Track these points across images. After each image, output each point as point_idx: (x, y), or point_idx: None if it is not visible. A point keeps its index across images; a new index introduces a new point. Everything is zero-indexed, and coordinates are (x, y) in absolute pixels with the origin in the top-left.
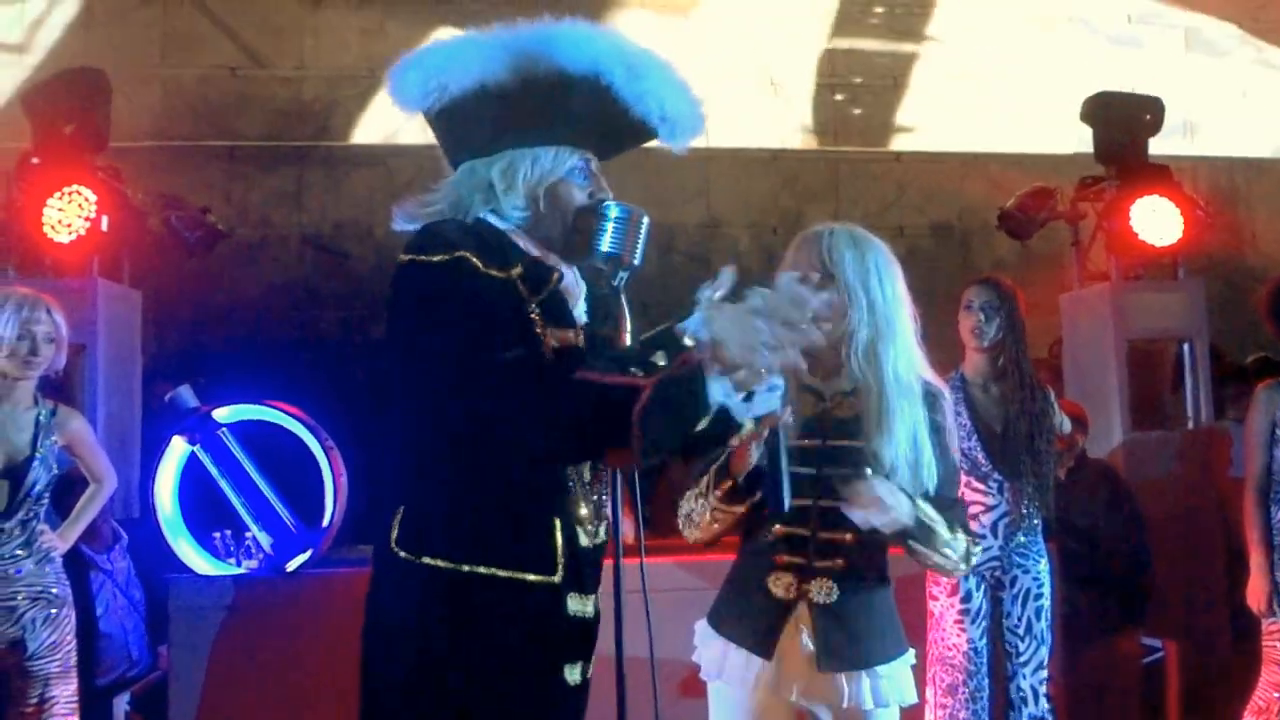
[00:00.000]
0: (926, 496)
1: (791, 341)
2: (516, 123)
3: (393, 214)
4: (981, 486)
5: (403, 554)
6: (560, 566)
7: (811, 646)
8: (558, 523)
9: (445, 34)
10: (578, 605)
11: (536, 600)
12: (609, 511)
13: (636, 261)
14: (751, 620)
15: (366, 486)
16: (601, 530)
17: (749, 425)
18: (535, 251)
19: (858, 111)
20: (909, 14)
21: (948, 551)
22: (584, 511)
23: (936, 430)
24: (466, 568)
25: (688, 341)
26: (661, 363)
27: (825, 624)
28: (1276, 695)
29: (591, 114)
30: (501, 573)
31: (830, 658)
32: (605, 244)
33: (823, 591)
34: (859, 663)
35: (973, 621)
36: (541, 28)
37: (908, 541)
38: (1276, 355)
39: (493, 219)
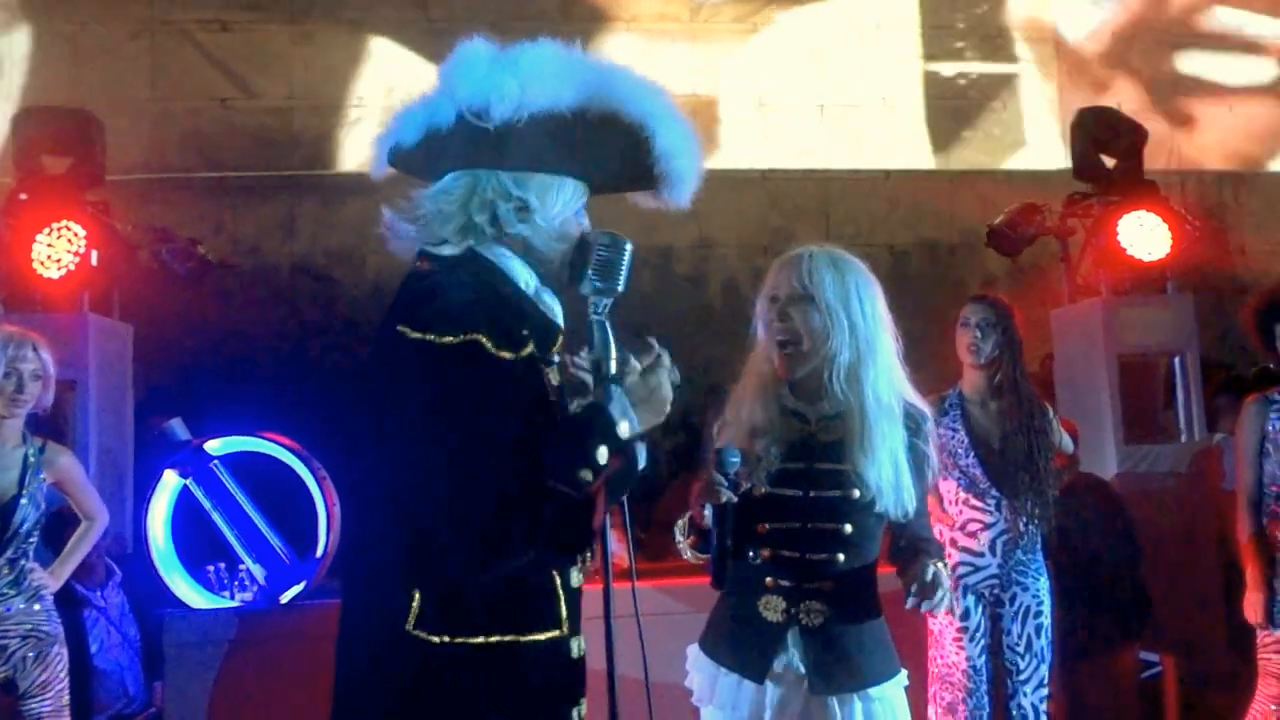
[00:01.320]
0: (908, 529)
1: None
2: (562, 148)
3: (385, 228)
4: (980, 504)
5: (425, 636)
6: (565, 618)
7: (803, 669)
8: (556, 576)
9: (437, 66)
10: (577, 647)
11: (548, 655)
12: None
13: (621, 289)
14: (743, 644)
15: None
16: (588, 564)
17: (708, 495)
18: (533, 287)
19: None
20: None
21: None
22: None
23: (915, 454)
24: (483, 639)
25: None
26: (602, 461)
27: (816, 646)
28: (1274, 708)
29: (621, 158)
30: (523, 638)
31: (822, 680)
32: (596, 275)
33: (813, 614)
34: (851, 685)
35: (971, 640)
36: (612, 65)
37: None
38: (1278, 367)
39: (495, 253)
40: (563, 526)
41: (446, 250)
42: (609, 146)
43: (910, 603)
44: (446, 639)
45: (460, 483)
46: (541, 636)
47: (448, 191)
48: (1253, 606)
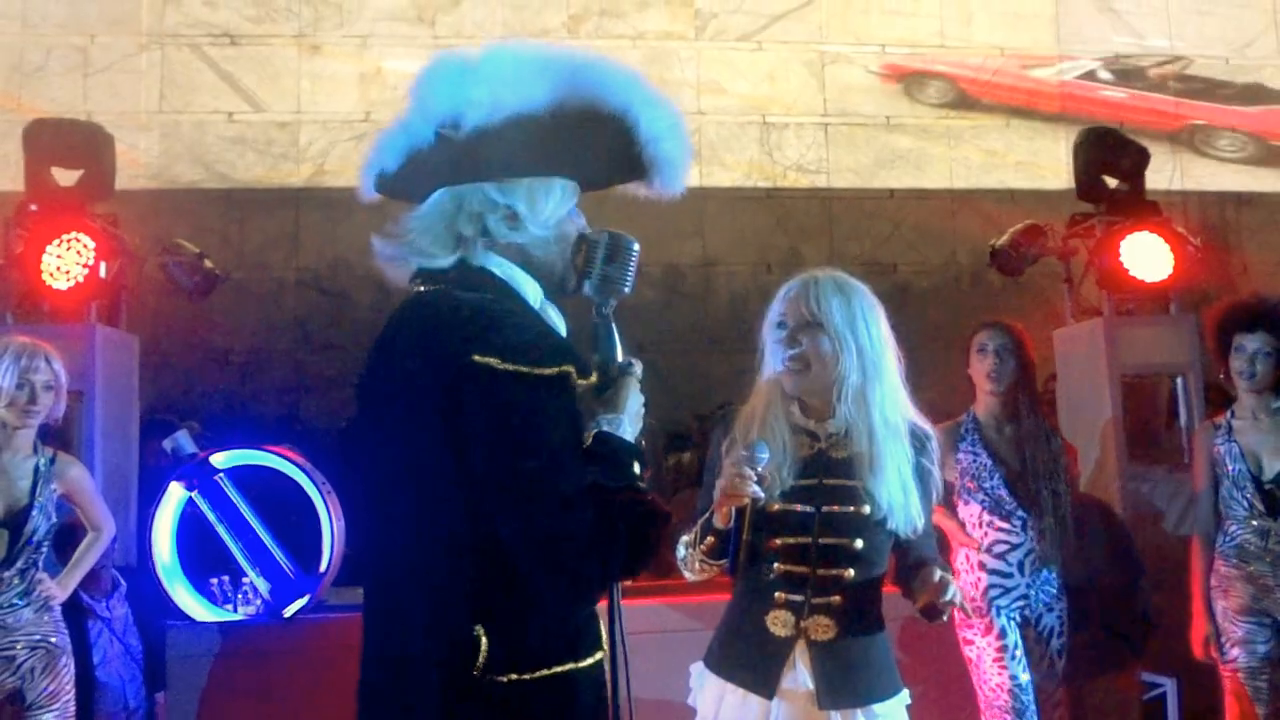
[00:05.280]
0: (915, 544)
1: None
2: (544, 150)
3: (378, 255)
4: (1006, 525)
5: (496, 678)
6: (603, 637)
7: (810, 685)
8: None
9: (421, 71)
10: (605, 670)
11: (593, 679)
12: None
13: (628, 290)
14: (750, 660)
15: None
16: None
17: (737, 484)
18: (539, 301)
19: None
20: None
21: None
22: None
23: (921, 472)
24: (546, 671)
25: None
26: (638, 471)
27: (824, 661)
28: None
29: (606, 150)
30: (580, 664)
31: (829, 695)
32: (600, 275)
33: (821, 629)
34: (857, 700)
35: (1012, 658)
36: (583, 56)
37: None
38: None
39: (491, 258)
40: (636, 539)
41: (442, 267)
42: (592, 140)
43: (921, 602)
44: (514, 677)
45: (561, 526)
46: (592, 660)
47: (434, 210)
48: (1197, 639)
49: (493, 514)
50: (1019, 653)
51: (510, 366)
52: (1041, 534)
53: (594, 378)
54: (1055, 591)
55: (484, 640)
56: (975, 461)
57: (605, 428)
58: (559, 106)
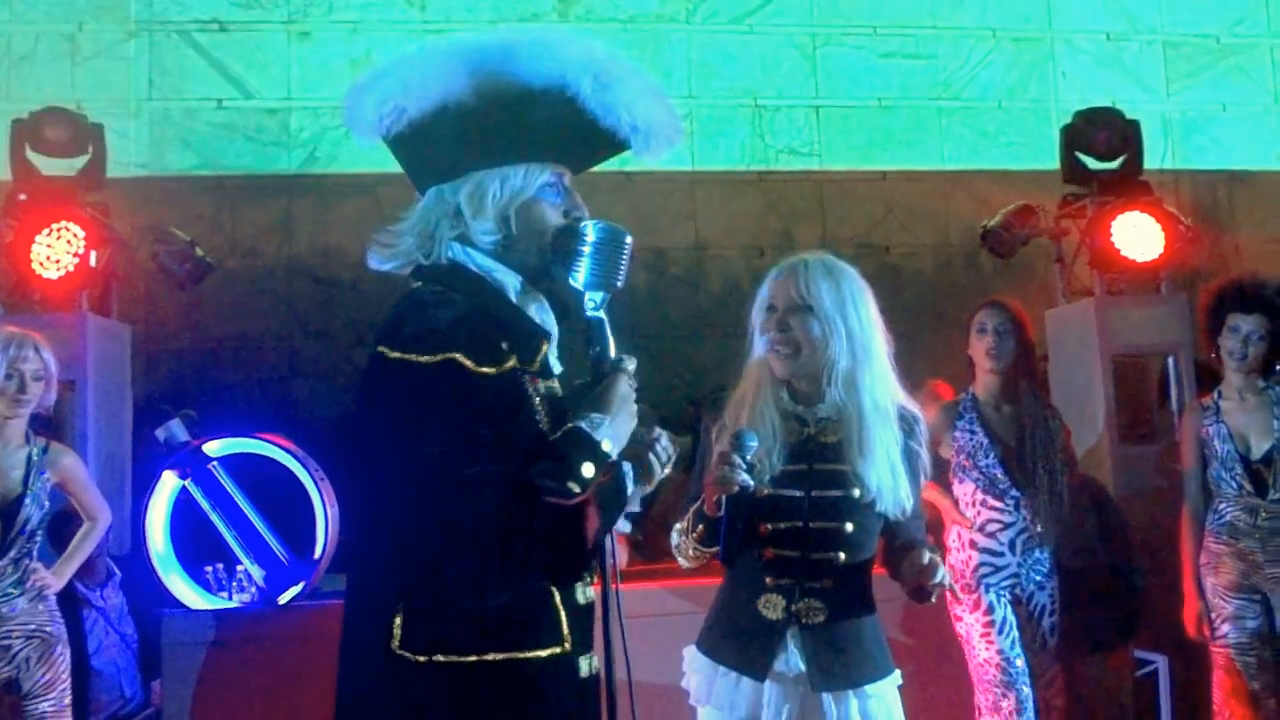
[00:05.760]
0: (904, 526)
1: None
2: (481, 141)
3: (368, 251)
4: (999, 504)
5: (411, 656)
6: (567, 634)
7: (802, 667)
8: (555, 591)
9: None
10: (587, 666)
11: (552, 673)
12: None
13: (619, 284)
14: (742, 643)
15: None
16: (592, 580)
17: (726, 473)
18: (514, 288)
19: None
20: None
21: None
22: None
23: (910, 454)
24: (475, 658)
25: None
26: (588, 474)
27: (816, 644)
28: (1218, 696)
29: (559, 127)
30: (522, 655)
31: (822, 678)
32: (588, 270)
33: (813, 612)
34: (849, 682)
35: (1001, 633)
36: (500, 38)
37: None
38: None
39: (467, 254)
40: (555, 541)
41: (430, 266)
42: (535, 120)
43: (910, 584)
44: (438, 658)
45: (446, 506)
46: (543, 653)
47: (411, 214)
48: (1190, 618)
49: (394, 497)
50: (1008, 628)
51: (397, 354)
52: (1035, 513)
53: (510, 362)
54: (1047, 571)
55: (399, 617)
56: (971, 440)
57: (582, 425)
58: (487, 93)
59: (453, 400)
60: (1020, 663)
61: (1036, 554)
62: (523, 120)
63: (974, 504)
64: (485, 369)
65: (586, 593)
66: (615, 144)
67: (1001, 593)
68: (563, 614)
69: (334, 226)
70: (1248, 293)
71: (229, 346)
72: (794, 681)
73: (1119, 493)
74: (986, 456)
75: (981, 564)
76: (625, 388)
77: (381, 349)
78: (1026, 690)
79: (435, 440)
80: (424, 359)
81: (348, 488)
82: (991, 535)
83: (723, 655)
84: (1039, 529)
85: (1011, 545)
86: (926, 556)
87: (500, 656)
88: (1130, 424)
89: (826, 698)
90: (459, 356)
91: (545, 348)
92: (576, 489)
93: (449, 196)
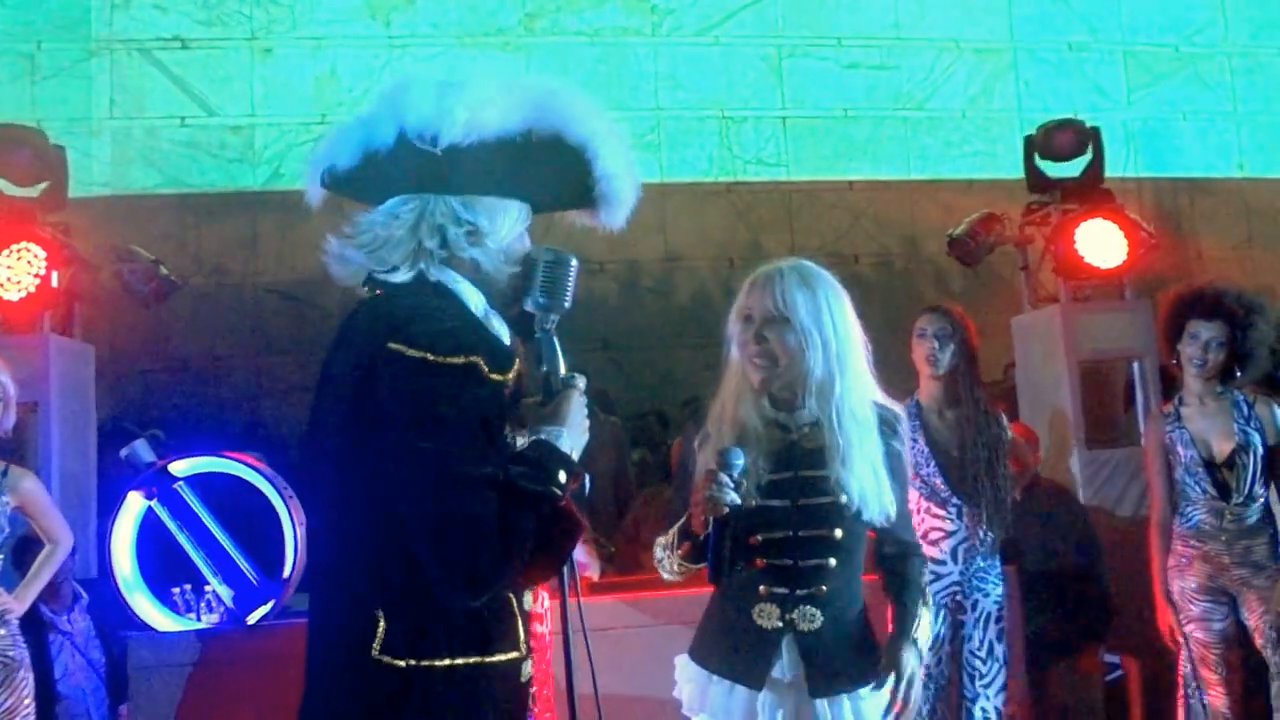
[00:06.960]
0: (890, 532)
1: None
2: (509, 172)
3: (330, 255)
4: (941, 512)
5: (391, 661)
6: (523, 639)
7: (798, 674)
8: (513, 597)
9: (398, 80)
10: (526, 670)
11: (508, 676)
12: None
13: (567, 305)
14: (738, 652)
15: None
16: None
17: (714, 492)
18: (481, 310)
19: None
20: None
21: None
22: None
23: (892, 457)
24: (449, 661)
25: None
26: (563, 480)
27: (812, 650)
28: (1187, 668)
29: (563, 179)
30: (488, 659)
31: (818, 683)
32: (543, 291)
33: (808, 619)
34: (843, 687)
35: (930, 649)
36: (555, 85)
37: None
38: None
39: (446, 277)
40: (550, 539)
41: (398, 276)
42: (553, 168)
43: (885, 688)
44: (413, 662)
45: (451, 502)
46: (505, 657)
47: (396, 216)
48: (1164, 625)
49: (394, 494)
50: (939, 643)
51: (417, 353)
52: (978, 522)
53: (514, 372)
54: (993, 578)
55: (382, 623)
56: (914, 448)
57: (544, 437)
58: (528, 132)
59: (472, 402)
60: (936, 678)
61: (979, 562)
62: (543, 165)
63: (918, 511)
64: (496, 376)
65: (530, 600)
66: (583, 204)
67: (942, 602)
68: (519, 620)
69: (300, 243)
70: (1208, 300)
71: (195, 365)
72: (788, 687)
73: (1086, 497)
74: (927, 465)
75: None
76: (578, 404)
77: (396, 347)
78: (935, 705)
79: (447, 438)
80: (451, 360)
81: (316, 485)
82: (934, 544)
83: (717, 664)
84: (983, 536)
85: (954, 554)
86: (909, 670)
87: (471, 660)
88: (1097, 428)
89: (820, 702)
90: (480, 361)
91: (518, 365)
92: (558, 492)
93: (461, 211)
